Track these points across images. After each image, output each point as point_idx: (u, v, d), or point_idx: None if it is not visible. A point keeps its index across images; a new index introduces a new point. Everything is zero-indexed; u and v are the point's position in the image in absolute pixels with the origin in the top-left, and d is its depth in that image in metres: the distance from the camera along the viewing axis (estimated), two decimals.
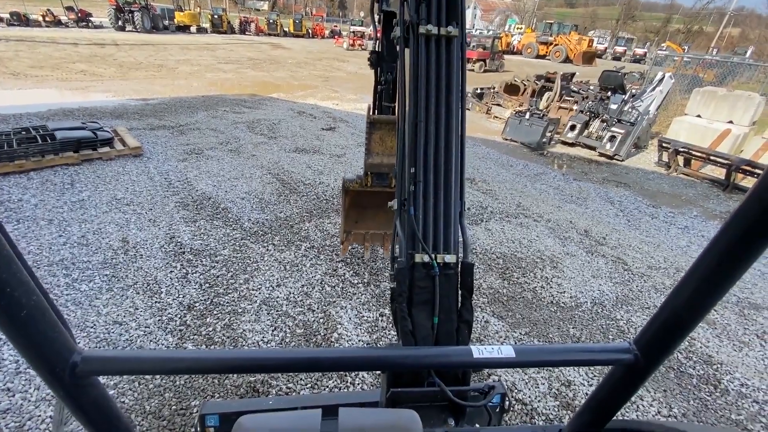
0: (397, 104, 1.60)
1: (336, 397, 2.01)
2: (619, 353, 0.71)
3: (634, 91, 9.04)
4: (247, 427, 0.61)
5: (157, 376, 2.38)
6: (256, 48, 23.24)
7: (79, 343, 2.49)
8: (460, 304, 1.24)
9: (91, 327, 2.70)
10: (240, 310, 2.97)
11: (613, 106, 8.21)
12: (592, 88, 11.24)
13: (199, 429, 1.61)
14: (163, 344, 2.64)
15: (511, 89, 12.95)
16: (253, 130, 7.53)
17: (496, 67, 22.89)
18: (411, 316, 1.19)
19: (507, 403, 1.65)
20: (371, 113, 3.02)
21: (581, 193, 6.02)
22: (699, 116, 8.64)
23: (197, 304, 3.00)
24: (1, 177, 4.65)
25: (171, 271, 3.33)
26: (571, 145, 8.64)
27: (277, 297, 3.15)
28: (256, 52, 21.04)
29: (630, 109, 8.09)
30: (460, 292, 1.25)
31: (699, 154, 7.07)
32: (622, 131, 7.83)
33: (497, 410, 1.67)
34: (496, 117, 10.78)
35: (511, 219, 4.84)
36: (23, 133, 5.40)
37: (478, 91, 12.66)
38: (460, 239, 1.34)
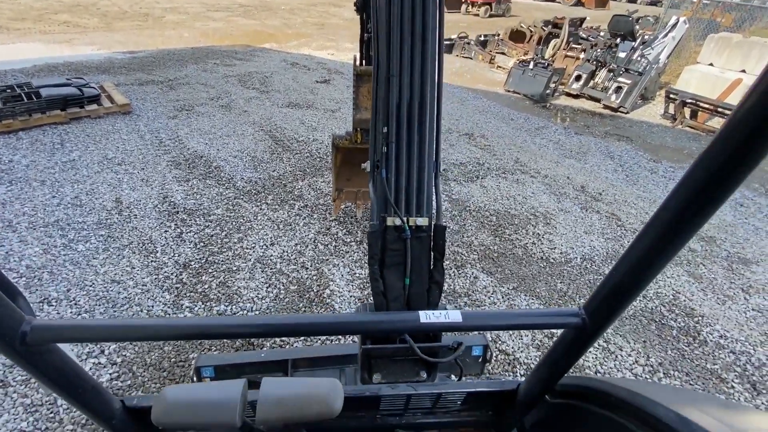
0: (374, 56, 1.43)
1: (326, 350, 2.09)
2: (568, 317, 0.73)
3: (646, 37, 8.53)
4: (169, 398, 0.63)
5: None
6: None
7: (78, 301, 2.58)
8: (432, 266, 1.24)
9: (90, 286, 2.78)
10: (234, 268, 3.04)
11: (622, 55, 7.81)
12: (602, 34, 10.61)
13: (195, 380, 1.68)
14: (160, 301, 2.73)
15: (517, 36, 12.26)
16: (244, 84, 7.27)
17: (502, 11, 21.50)
18: (383, 278, 1.20)
19: (489, 354, 1.78)
20: (358, 64, 2.86)
21: (581, 147, 5.90)
22: (711, 65, 8.23)
23: (192, 263, 3.06)
24: None
25: (165, 231, 3.37)
26: (576, 96, 8.32)
27: (271, 255, 3.21)
28: None
29: (639, 58, 7.70)
30: (432, 254, 1.25)
31: (706, 106, 6.82)
32: (629, 82, 7.50)
33: (480, 361, 1.81)
34: (500, 67, 10.31)
35: (508, 175, 4.78)
36: (8, 91, 5.24)
37: (482, 38, 12.01)
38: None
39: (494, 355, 2.52)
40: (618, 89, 7.60)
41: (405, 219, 1.21)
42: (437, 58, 1.32)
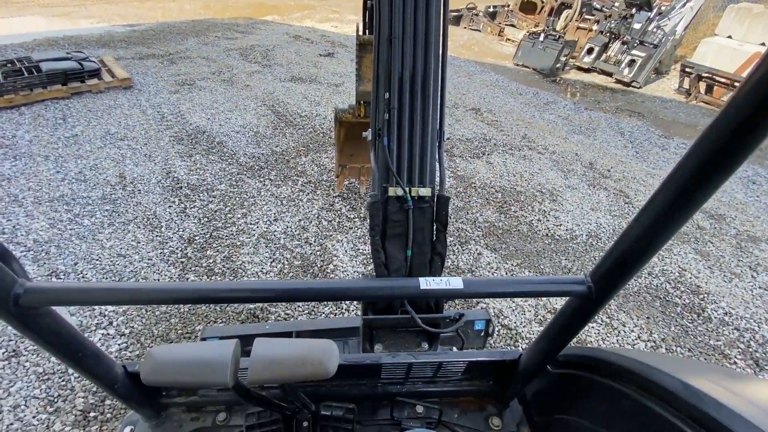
0: (375, 16, 1.39)
1: (331, 322, 2.11)
2: (574, 285, 0.71)
3: (663, 7, 8.16)
4: (156, 357, 0.62)
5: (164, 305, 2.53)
6: None
7: (86, 275, 2.62)
8: (434, 237, 1.21)
9: (97, 260, 2.81)
10: (239, 243, 3.05)
11: (637, 26, 7.49)
12: (617, 4, 10.17)
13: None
14: (166, 275, 2.76)
15: (528, 7, 11.80)
16: (246, 57, 7.11)
17: None
18: (384, 249, 1.18)
19: (491, 328, 1.78)
20: (361, 33, 2.72)
21: (591, 123, 5.75)
22: (730, 37, 7.89)
23: (197, 238, 3.07)
24: None
25: (170, 206, 3.37)
26: (587, 70, 8.07)
27: (275, 231, 3.21)
28: None
29: (655, 29, 7.39)
30: (435, 225, 1.22)
31: (723, 80, 6.58)
32: (643, 55, 7.24)
33: (482, 334, 1.82)
34: (509, 39, 9.98)
35: (515, 152, 4.70)
36: (8, 65, 5.17)
37: (491, 9, 11.57)
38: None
39: (497, 329, 2.54)
40: (631, 63, 7.34)
41: (407, 189, 1.17)
42: (442, 22, 1.25)
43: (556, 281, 0.74)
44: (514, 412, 1.12)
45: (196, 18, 9.86)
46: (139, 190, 3.53)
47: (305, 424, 0.99)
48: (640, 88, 7.45)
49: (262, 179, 3.81)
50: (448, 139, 4.89)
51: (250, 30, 8.99)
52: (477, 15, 11.09)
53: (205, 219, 3.27)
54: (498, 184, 4.01)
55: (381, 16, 1.25)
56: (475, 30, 10.81)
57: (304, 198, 3.60)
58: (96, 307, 2.43)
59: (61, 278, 2.65)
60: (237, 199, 3.51)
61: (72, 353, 0.69)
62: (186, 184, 3.64)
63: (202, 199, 3.48)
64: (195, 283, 0.63)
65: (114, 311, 2.42)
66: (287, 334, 1.79)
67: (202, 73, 6.23)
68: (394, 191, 1.18)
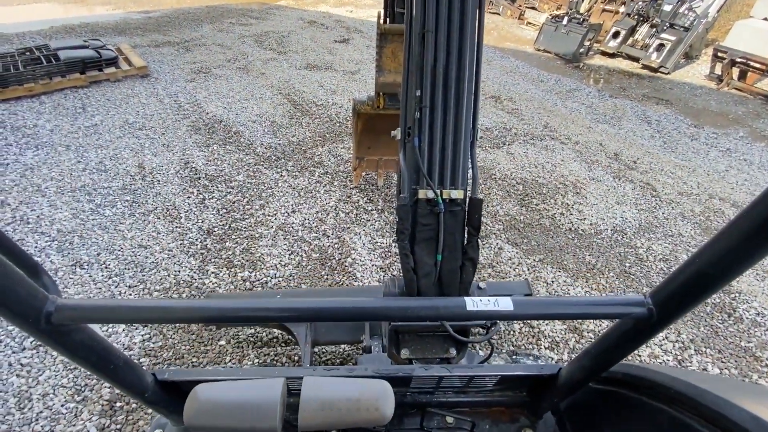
0: (406, 9, 1.30)
1: (344, 292, 2.15)
2: (631, 307, 0.65)
3: None
4: (201, 398, 0.59)
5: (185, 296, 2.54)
6: None
7: (108, 265, 2.64)
8: (466, 242, 1.16)
9: (119, 250, 2.84)
10: (257, 235, 3.05)
11: (667, 8, 7.12)
12: None
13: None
14: (186, 266, 2.77)
15: None
16: (261, 44, 7.03)
17: None
18: (413, 254, 1.13)
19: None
20: (382, 22, 2.62)
21: (616, 111, 5.54)
22: (766, 19, 7.44)
23: (216, 229, 3.08)
24: (14, 101, 4.60)
25: (188, 197, 3.38)
26: (612, 55, 7.75)
27: (293, 223, 3.19)
28: None
29: (686, 11, 7.02)
30: (466, 229, 1.16)
31: (758, 66, 6.24)
32: (673, 38, 6.89)
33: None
34: (530, 23, 9.63)
35: (536, 141, 4.56)
36: (27, 54, 5.22)
37: None
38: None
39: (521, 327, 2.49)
40: (660, 47, 7.01)
41: (438, 192, 1.11)
42: (478, 13, 1.17)
43: (613, 302, 0.68)
44: (548, 425, 1.07)
45: (211, 4, 9.76)
46: (159, 181, 3.54)
47: None
48: (668, 73, 7.13)
49: (279, 170, 3.78)
50: None
51: (264, 16, 8.87)
52: None
53: (224, 210, 3.27)
54: (519, 176, 3.90)
55: (414, 7, 1.19)
56: (494, 13, 10.46)
57: (321, 189, 3.56)
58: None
59: (84, 268, 2.69)
60: (255, 190, 3.50)
61: (104, 366, 0.68)
62: (204, 175, 3.64)
63: (221, 190, 3.47)
64: (227, 302, 0.60)
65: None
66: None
67: (218, 61, 6.18)
68: (424, 194, 1.12)
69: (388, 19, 2.90)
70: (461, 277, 1.14)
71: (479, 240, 1.16)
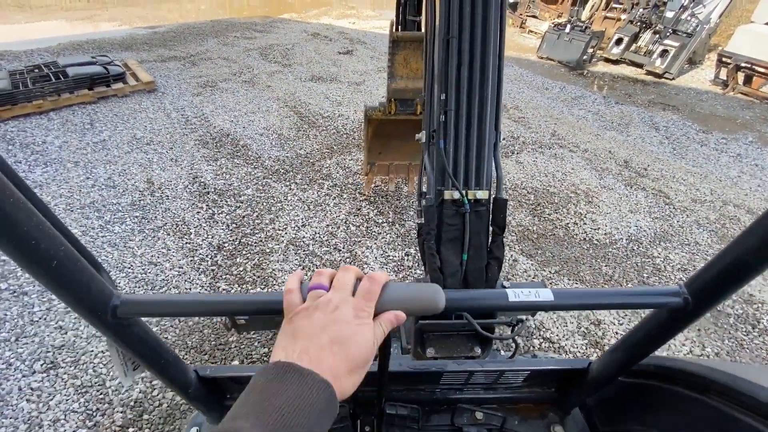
0: (423, 18, 1.46)
1: None
2: (668, 297, 0.65)
3: None
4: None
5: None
6: None
7: (119, 284, 2.61)
8: (491, 241, 1.17)
9: (129, 268, 2.81)
10: (268, 250, 3.01)
11: (670, 14, 7.14)
12: None
13: (230, 324, 1.63)
14: (197, 284, 2.74)
15: None
16: (266, 57, 7.08)
17: None
18: (439, 253, 1.14)
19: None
20: (394, 29, 2.65)
21: (623, 118, 5.51)
22: None
23: (226, 245, 3.04)
24: (23, 118, 4.63)
25: (198, 212, 3.35)
26: (615, 62, 7.76)
27: (303, 237, 3.15)
28: None
29: (689, 17, 7.03)
30: (491, 228, 1.17)
31: (763, 71, 6.21)
32: (677, 44, 6.89)
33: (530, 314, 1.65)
34: (532, 31, 9.69)
35: (545, 150, 4.53)
36: (36, 71, 5.27)
37: (511, 0, 11.25)
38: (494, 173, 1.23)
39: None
40: (664, 53, 7.01)
41: (464, 192, 1.13)
42: (500, 17, 1.18)
43: (648, 292, 0.69)
44: (577, 420, 1.06)
45: (215, 18, 9.89)
46: (167, 196, 3.53)
47: (367, 428, 1.00)
48: (673, 79, 7.12)
49: (288, 183, 3.76)
50: None
51: (268, 29, 8.96)
52: None
53: (234, 225, 3.24)
54: (530, 185, 3.87)
55: (437, 14, 1.22)
56: None
57: (331, 202, 3.53)
58: None
59: None
60: (264, 204, 3.47)
61: (156, 361, 0.72)
62: (213, 189, 3.62)
63: (230, 205, 3.45)
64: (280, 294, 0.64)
65: (147, 320, 2.41)
66: None
67: (223, 75, 6.22)
68: (450, 194, 1.14)
69: (399, 27, 2.93)
70: (486, 275, 1.15)
71: (504, 239, 1.18)
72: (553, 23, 7.90)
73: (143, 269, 2.81)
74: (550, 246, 3.17)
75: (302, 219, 3.34)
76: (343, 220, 3.35)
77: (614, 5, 8.57)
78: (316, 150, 4.32)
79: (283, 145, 4.39)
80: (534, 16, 11.16)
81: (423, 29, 2.39)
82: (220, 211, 3.37)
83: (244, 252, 3.00)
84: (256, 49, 7.48)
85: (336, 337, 0.47)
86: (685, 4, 7.13)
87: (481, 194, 1.13)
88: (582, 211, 3.54)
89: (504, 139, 4.72)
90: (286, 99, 5.48)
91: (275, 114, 5.05)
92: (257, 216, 3.34)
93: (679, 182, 4.09)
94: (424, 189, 1.27)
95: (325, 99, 5.54)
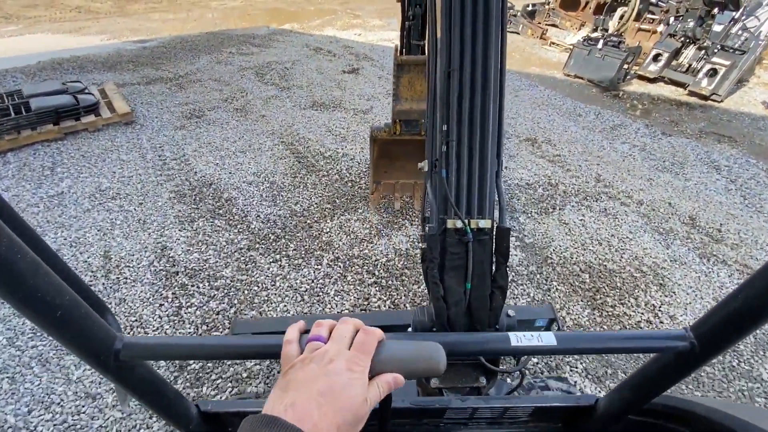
0: (426, 48, 1.45)
1: (377, 318, 2.00)
2: (672, 341, 0.63)
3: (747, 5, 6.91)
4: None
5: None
6: None
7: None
8: (494, 270, 1.13)
9: (58, 404, 2.08)
10: (245, 376, 2.26)
11: (718, 28, 6.31)
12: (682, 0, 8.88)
13: None
14: None
15: (570, 3, 10.63)
16: (262, 78, 6.36)
17: None
18: (443, 282, 1.11)
19: (556, 327, 1.74)
20: (399, 54, 2.69)
21: (675, 155, 4.70)
22: None
23: (193, 363, 2.30)
24: None
25: (161, 305, 2.62)
26: (652, 80, 6.93)
27: None
28: None
29: (740, 32, 6.20)
30: (494, 257, 1.13)
31: None
32: (727, 63, 6.06)
33: (542, 330, 1.71)
34: (554, 44, 8.88)
35: (592, 203, 3.74)
36: None
37: (529, 8, 10.46)
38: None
39: None
40: (712, 72, 6.18)
41: (466, 221, 1.12)
42: (500, 48, 1.17)
43: (654, 336, 0.66)
44: None
45: (211, 30, 9.20)
46: (125, 279, 2.80)
47: None
48: (721, 101, 6.29)
49: (277, 257, 3.01)
50: (504, 181, 4.02)
51: (267, 43, 8.25)
52: (515, 16, 10.00)
53: (204, 327, 2.50)
54: (582, 259, 3.08)
55: (438, 48, 1.21)
56: (513, 33, 9.73)
57: (332, 289, 2.78)
58: None
59: None
60: (245, 292, 2.73)
61: (159, 400, 0.71)
62: (183, 269, 2.88)
63: (202, 293, 2.71)
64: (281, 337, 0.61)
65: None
66: None
67: (213, 101, 5.50)
68: (452, 223, 1.12)
69: (404, 50, 2.97)
70: (491, 305, 1.11)
71: (507, 268, 1.13)
72: (583, 38, 7.09)
73: (76, 406, 2.07)
74: (621, 361, 2.39)
75: (293, 315, 2.58)
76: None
77: (649, 16, 7.73)
78: (315, 205, 3.57)
79: (275, 197, 3.65)
80: (554, 25, 10.36)
81: (426, 55, 2.30)
82: (188, 304, 2.63)
83: (216, 373, 2.25)
84: (252, 68, 6.76)
85: (325, 389, 0.47)
86: (736, 17, 6.29)
87: (484, 223, 1.13)
88: (655, 301, 2.75)
89: (539, 187, 3.94)
90: (282, 133, 4.74)
91: (268, 154, 4.31)
92: (236, 312, 2.59)
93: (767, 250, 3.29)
94: (427, 214, 1.28)
95: (327, 132, 4.79)
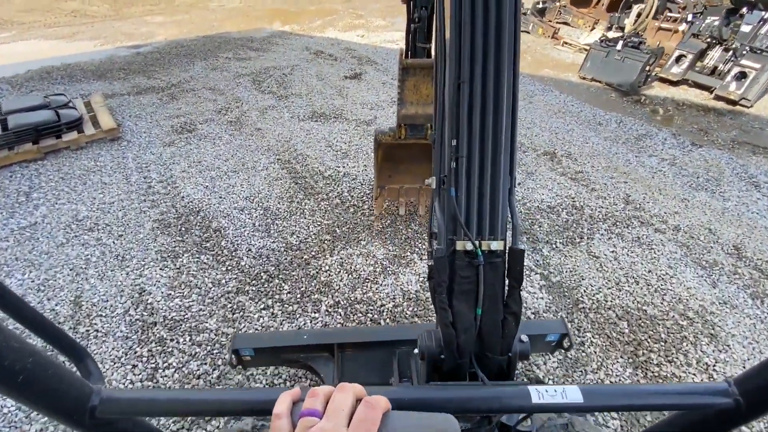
0: (434, 52, 1.27)
1: (376, 333, 1.93)
2: (713, 396, 0.58)
3: None
4: None
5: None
6: None
7: None
8: (507, 294, 1.05)
9: None
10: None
11: (746, 28, 5.84)
12: None
13: (234, 361, 1.72)
14: None
15: (580, 0, 10.15)
16: (259, 86, 6.00)
17: None
18: (451, 307, 1.03)
19: (567, 342, 1.74)
20: (404, 57, 2.62)
21: (709, 170, 4.28)
22: None
23: None
24: None
25: (134, 366, 2.27)
26: (675, 83, 6.49)
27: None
28: None
29: None
30: (507, 281, 1.05)
31: None
32: (757, 66, 5.60)
33: (553, 344, 1.81)
34: (567, 43, 8.43)
35: (623, 229, 3.34)
36: None
37: (539, 5, 9.99)
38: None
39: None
40: (741, 76, 5.73)
41: (477, 243, 1.04)
42: (513, 58, 1.07)
43: (692, 390, 0.60)
44: None
45: (208, 33, 8.85)
46: (96, 332, 2.45)
47: None
48: (750, 107, 5.84)
49: (269, 302, 2.65)
50: (523, 204, 3.63)
51: (265, 46, 7.88)
52: (524, 14, 9.54)
53: None
54: (618, 302, 2.69)
55: (447, 58, 1.11)
56: (523, 32, 9.28)
57: None
58: None
59: None
60: None
61: None
62: (162, 318, 2.53)
63: (182, 350, 2.36)
64: (277, 391, 0.54)
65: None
66: (328, 347, 1.76)
67: (206, 112, 5.15)
68: (462, 245, 1.03)
69: (409, 53, 2.88)
70: (503, 332, 1.04)
71: (521, 293, 1.05)
72: (600, 39, 6.64)
73: None
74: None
75: (285, 378, 2.22)
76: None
77: (669, 14, 7.26)
78: (313, 236, 3.21)
79: (269, 227, 3.29)
80: (566, 23, 9.89)
81: (432, 56, 2.16)
82: (165, 364, 2.28)
83: (209, 418, 1.90)
84: (249, 75, 6.40)
85: None
86: (766, 17, 5.82)
87: (496, 245, 1.06)
88: (707, 358, 2.36)
89: (564, 209, 3.55)
90: (279, 149, 4.38)
91: (263, 174, 3.95)
92: (219, 376, 2.24)
93: None
94: (434, 229, 1.18)
95: (328, 147, 4.43)
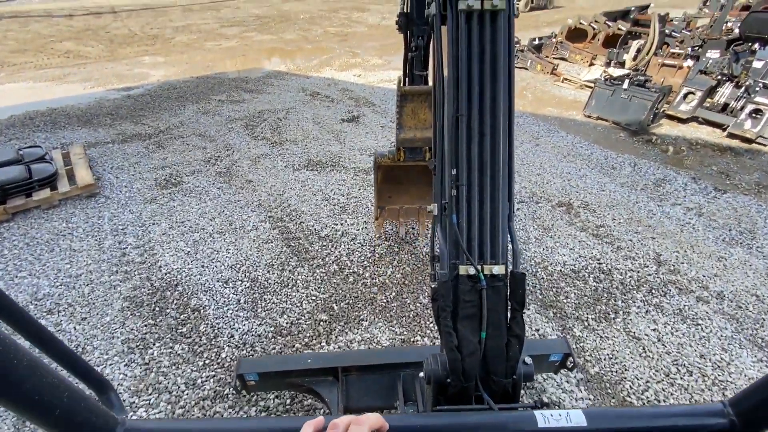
0: (433, 89, 1.35)
1: (380, 356, 1.89)
2: (710, 417, 0.61)
3: None
4: None
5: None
6: (265, 1, 20.50)
7: None
8: (510, 318, 1.10)
9: None
10: None
11: (758, 64, 5.67)
12: (700, 28, 8.36)
13: (239, 387, 1.75)
14: None
15: (576, 35, 10.17)
16: (252, 131, 5.71)
17: (544, 3, 19.03)
18: (456, 331, 1.07)
19: (570, 362, 1.79)
20: (402, 84, 2.77)
21: (740, 220, 3.93)
22: None
23: None
24: None
25: None
26: (683, 121, 6.26)
27: None
28: (264, 8, 18.46)
29: None
30: (510, 304, 1.10)
31: None
32: None
33: (556, 364, 1.85)
34: (567, 80, 8.30)
35: (661, 299, 2.93)
36: None
37: (536, 42, 9.99)
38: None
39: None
40: (756, 113, 5.50)
41: (479, 267, 1.08)
42: (509, 92, 1.14)
43: (688, 412, 0.65)
44: None
45: (202, 74, 8.69)
46: None
47: None
48: (767, 145, 5.58)
49: (252, 412, 2.18)
50: (543, 267, 3.24)
51: (260, 87, 7.69)
52: (522, 51, 9.50)
53: None
54: (673, 402, 2.25)
55: (445, 93, 1.17)
56: (521, 68, 9.20)
57: None
58: None
59: None
60: None
61: None
62: None
63: None
64: (295, 420, 0.57)
65: None
66: (332, 370, 1.78)
67: (194, 162, 4.82)
68: (465, 270, 1.08)
69: (407, 80, 2.95)
70: (508, 355, 1.07)
71: (524, 315, 1.10)
72: (603, 77, 6.47)
73: None
74: None
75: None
76: None
77: (671, 50, 7.15)
78: (307, 315, 2.78)
79: (255, 304, 2.86)
80: (563, 59, 9.85)
81: (431, 82, 2.13)
82: None
83: None
84: (242, 119, 6.13)
85: None
86: None
87: (498, 269, 1.10)
88: None
89: (591, 274, 3.14)
90: (270, 204, 4.01)
91: (252, 236, 3.56)
92: None
93: None
94: (436, 252, 1.24)
95: (324, 201, 4.06)
